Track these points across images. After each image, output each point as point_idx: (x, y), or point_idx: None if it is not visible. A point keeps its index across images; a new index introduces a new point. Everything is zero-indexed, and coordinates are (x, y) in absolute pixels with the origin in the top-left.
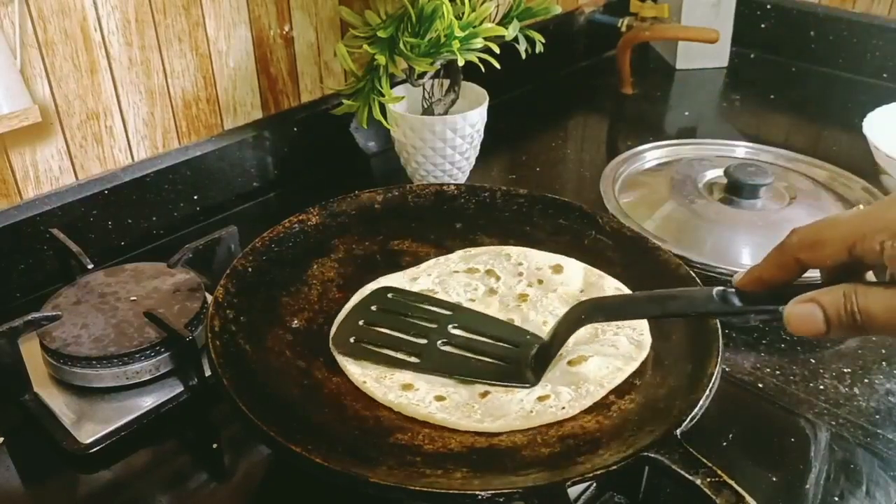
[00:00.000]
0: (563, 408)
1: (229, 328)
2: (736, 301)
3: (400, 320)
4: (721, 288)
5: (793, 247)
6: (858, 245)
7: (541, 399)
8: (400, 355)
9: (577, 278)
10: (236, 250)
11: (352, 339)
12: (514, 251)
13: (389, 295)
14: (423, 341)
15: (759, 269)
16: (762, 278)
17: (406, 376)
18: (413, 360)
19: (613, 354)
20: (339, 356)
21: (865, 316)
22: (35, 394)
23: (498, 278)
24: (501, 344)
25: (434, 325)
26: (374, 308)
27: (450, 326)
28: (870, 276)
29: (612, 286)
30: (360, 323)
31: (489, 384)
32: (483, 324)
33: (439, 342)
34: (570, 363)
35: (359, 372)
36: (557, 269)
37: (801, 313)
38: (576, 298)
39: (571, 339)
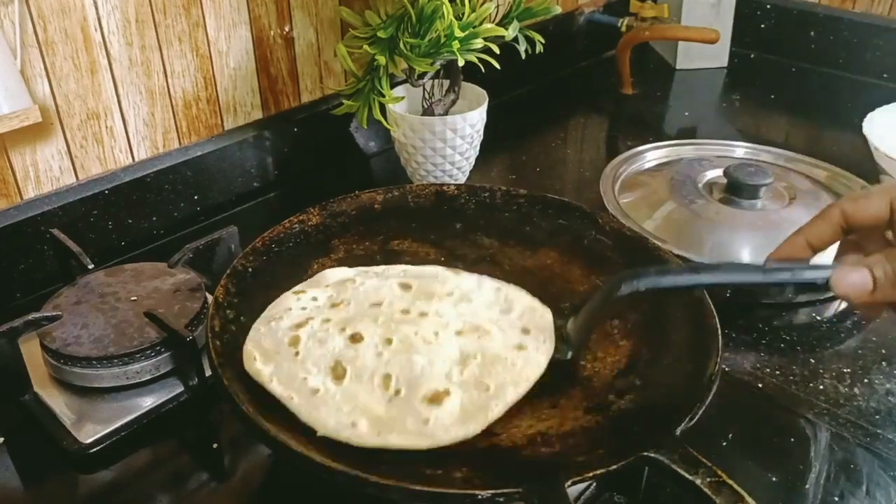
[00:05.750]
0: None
1: (229, 328)
2: (781, 273)
3: None
4: (767, 260)
5: (840, 204)
6: None
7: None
8: None
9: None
10: (236, 250)
11: None
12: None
13: None
14: None
15: (802, 236)
16: (808, 242)
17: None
18: None
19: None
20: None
21: None
22: (35, 394)
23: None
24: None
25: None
26: None
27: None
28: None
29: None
30: None
31: None
32: None
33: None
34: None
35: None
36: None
37: (852, 278)
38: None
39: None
